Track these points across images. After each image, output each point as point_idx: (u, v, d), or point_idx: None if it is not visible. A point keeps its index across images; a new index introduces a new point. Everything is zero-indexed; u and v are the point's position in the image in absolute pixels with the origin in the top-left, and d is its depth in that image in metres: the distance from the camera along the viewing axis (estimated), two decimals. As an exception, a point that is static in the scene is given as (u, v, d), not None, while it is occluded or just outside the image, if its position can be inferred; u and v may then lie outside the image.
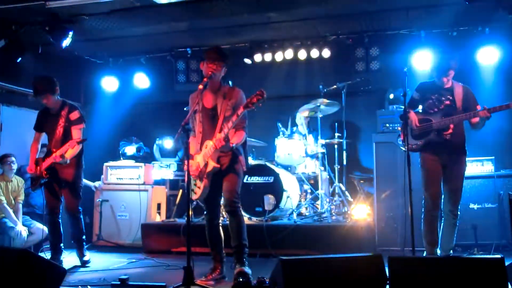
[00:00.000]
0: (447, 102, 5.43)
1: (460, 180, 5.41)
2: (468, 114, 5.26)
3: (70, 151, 5.88)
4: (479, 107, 5.21)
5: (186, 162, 4.69)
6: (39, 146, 6.27)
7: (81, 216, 6.32)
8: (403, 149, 5.49)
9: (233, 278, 4.80)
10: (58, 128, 6.01)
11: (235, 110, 4.88)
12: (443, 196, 5.43)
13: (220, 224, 5.28)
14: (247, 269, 4.87)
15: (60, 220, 6.19)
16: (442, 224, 5.46)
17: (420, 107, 5.57)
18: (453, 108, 5.39)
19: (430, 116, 5.43)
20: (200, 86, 4.80)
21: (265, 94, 4.57)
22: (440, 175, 5.42)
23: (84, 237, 6.41)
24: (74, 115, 6.09)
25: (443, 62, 5.42)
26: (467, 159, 5.51)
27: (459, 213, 5.40)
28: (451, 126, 5.31)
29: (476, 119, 5.30)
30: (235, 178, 5.02)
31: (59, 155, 5.81)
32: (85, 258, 6.30)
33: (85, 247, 6.42)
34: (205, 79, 4.86)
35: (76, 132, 6.05)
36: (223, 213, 6.50)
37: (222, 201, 5.27)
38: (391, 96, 7.81)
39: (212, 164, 4.93)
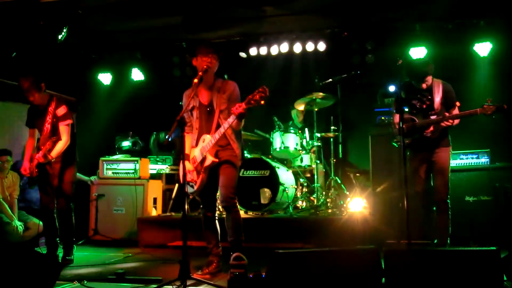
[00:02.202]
0: (428, 103, 5.57)
1: (446, 173, 5.52)
2: (438, 119, 5.42)
3: (57, 148, 5.79)
4: (458, 104, 5.41)
5: (181, 157, 4.70)
6: (35, 142, 6.14)
7: (72, 214, 6.14)
8: (396, 145, 5.76)
9: (230, 263, 4.76)
10: (45, 125, 5.88)
11: (229, 103, 4.93)
12: (433, 189, 5.55)
13: (216, 218, 5.28)
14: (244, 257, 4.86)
15: (55, 216, 6.13)
16: (435, 216, 5.52)
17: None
18: (432, 109, 5.53)
19: (414, 116, 5.59)
20: (195, 80, 4.80)
21: (267, 91, 4.56)
22: (424, 173, 5.58)
23: (72, 236, 6.19)
24: (61, 111, 5.92)
25: (417, 70, 5.55)
26: (453, 151, 5.67)
27: (449, 201, 5.48)
28: (431, 126, 5.47)
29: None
30: (232, 173, 5.02)
31: (42, 155, 5.72)
32: (69, 257, 6.06)
33: (74, 248, 6.21)
34: (200, 73, 4.86)
35: (64, 128, 5.90)
36: (219, 207, 6.50)
37: (218, 195, 5.27)
38: (392, 88, 7.77)
39: (210, 159, 4.94)
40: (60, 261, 5.90)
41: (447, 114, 5.43)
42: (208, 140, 4.92)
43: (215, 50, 5.04)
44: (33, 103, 6.03)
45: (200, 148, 5.00)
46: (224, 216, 5.08)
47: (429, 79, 5.53)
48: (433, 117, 5.47)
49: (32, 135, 6.16)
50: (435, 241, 5.51)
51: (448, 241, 5.50)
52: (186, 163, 4.99)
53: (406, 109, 5.63)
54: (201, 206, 5.28)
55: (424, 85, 5.52)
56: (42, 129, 5.92)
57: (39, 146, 5.90)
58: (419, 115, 5.55)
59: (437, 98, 5.51)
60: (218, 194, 5.32)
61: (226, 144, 5.03)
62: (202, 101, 5.11)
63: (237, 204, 5.08)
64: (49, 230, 6.09)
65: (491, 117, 5.14)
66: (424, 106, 5.55)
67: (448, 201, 5.48)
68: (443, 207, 5.47)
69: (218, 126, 4.93)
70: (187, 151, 5.09)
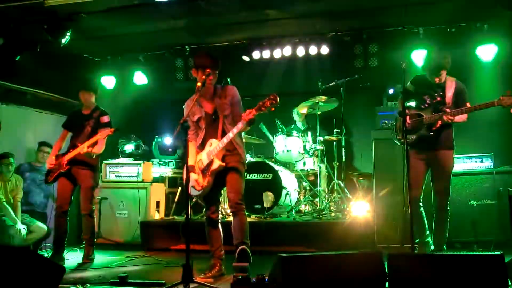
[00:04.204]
0: (438, 98, 5.45)
1: (448, 178, 5.43)
2: (449, 113, 5.24)
3: (96, 148, 6.12)
4: (468, 105, 5.21)
5: (185, 161, 4.70)
6: (63, 144, 6.51)
7: (94, 216, 6.51)
8: (398, 143, 5.66)
9: (236, 257, 4.80)
10: (87, 127, 6.31)
11: (232, 107, 5.02)
12: (432, 193, 5.48)
13: (220, 221, 5.28)
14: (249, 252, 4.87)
15: (67, 218, 6.30)
16: (434, 220, 5.48)
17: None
18: (443, 104, 5.40)
19: (421, 111, 5.47)
20: (199, 84, 4.81)
21: (278, 98, 4.60)
22: (423, 176, 5.46)
23: (94, 236, 6.59)
24: (104, 119, 6.42)
25: (434, 62, 5.39)
26: (456, 155, 5.56)
27: (449, 208, 5.43)
28: (439, 121, 5.31)
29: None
30: (240, 179, 5.07)
31: (88, 145, 6.01)
32: (91, 256, 6.39)
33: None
34: (203, 77, 4.87)
35: (101, 135, 6.22)
36: (222, 210, 6.50)
37: (223, 199, 5.26)
38: (391, 91, 7.77)
39: (218, 163, 4.95)
40: (82, 261, 6.29)
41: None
42: (215, 144, 4.94)
43: (214, 63, 5.02)
44: (78, 108, 6.60)
45: (207, 152, 5.01)
46: (227, 219, 5.08)
47: (444, 74, 5.40)
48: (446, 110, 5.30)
49: (63, 137, 6.57)
50: (432, 247, 5.48)
51: (444, 246, 5.47)
52: (191, 174, 5.02)
53: (413, 104, 5.53)
54: (205, 209, 5.29)
55: (437, 79, 5.39)
56: (82, 130, 6.32)
57: (76, 143, 6.22)
58: (428, 110, 5.41)
59: (449, 93, 5.38)
60: (221, 197, 5.32)
61: (232, 149, 5.06)
62: (207, 110, 5.15)
63: (245, 208, 5.09)
64: (59, 231, 6.28)
65: (508, 109, 4.92)
66: (434, 101, 5.42)
67: (448, 208, 5.43)
68: (443, 214, 5.41)
69: (223, 131, 4.96)
70: (190, 160, 5.08)
